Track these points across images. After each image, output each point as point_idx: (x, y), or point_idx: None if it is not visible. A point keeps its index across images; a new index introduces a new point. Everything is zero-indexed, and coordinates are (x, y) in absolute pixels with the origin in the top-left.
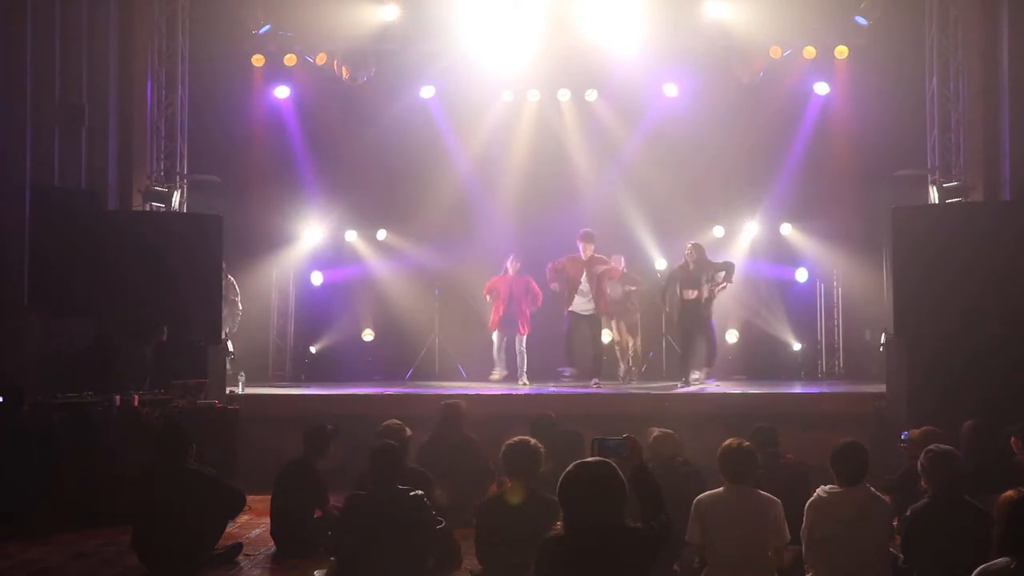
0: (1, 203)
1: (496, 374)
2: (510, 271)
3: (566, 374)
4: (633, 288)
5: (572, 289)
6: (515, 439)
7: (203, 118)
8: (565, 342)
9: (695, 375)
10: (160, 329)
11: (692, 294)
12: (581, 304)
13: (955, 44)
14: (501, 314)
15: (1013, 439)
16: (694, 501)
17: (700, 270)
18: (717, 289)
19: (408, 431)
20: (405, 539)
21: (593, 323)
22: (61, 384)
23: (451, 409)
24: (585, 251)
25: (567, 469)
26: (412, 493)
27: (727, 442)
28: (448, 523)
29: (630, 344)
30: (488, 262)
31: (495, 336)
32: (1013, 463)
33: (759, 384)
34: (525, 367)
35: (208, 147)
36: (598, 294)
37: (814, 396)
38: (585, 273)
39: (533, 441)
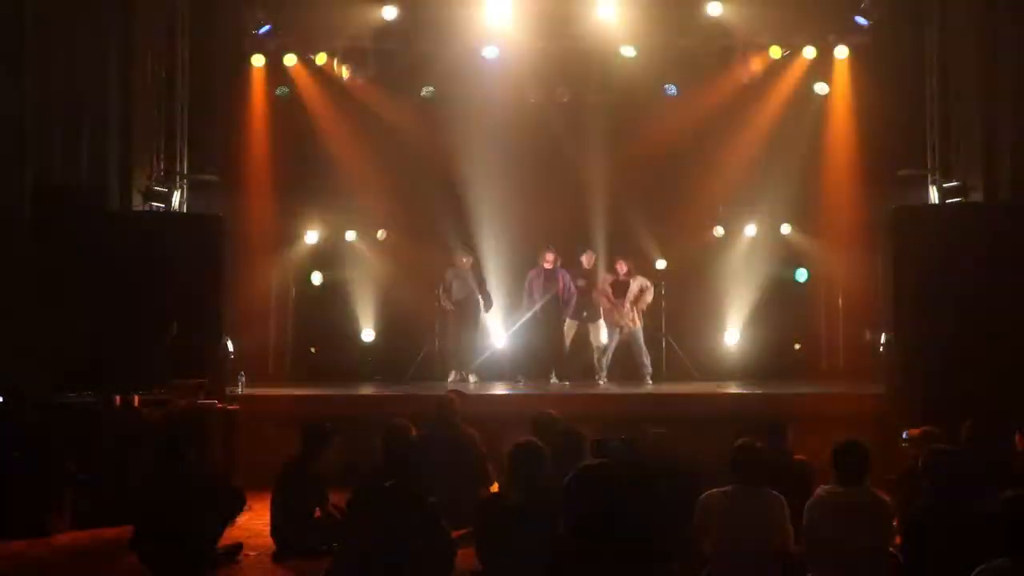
0: (1, 203)
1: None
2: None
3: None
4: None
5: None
6: (522, 440)
7: (203, 118)
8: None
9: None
10: (172, 324)
11: None
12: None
13: (955, 44)
14: None
15: (1018, 437)
16: (700, 499)
17: None
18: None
19: (413, 430)
20: (410, 541)
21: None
22: (67, 383)
23: (444, 403)
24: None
25: (571, 472)
26: (429, 499)
27: (739, 441)
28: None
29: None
30: (488, 262)
31: None
32: (1013, 463)
33: (759, 384)
34: None
35: (208, 147)
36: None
37: (814, 396)
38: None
39: (541, 444)
